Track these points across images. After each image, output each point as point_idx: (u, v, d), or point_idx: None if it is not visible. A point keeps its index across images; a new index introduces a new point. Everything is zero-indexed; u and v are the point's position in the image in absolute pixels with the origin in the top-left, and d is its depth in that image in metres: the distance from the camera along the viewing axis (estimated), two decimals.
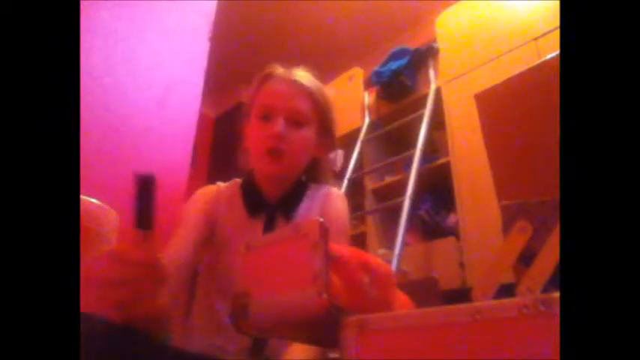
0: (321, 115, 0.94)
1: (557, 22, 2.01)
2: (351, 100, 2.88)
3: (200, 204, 0.93)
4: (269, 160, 0.89)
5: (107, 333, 0.60)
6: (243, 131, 0.99)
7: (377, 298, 0.52)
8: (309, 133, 0.92)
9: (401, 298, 0.61)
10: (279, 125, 0.87)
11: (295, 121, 0.90)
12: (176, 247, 0.83)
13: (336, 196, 0.99)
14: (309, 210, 0.94)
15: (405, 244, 2.01)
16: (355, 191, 2.55)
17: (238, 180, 0.99)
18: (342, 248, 0.55)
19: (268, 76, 0.95)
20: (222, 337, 0.83)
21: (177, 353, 0.75)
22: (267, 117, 0.90)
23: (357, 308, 0.46)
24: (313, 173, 1.00)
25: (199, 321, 0.89)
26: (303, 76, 0.94)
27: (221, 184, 0.98)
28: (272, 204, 0.93)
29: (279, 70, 0.96)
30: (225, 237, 0.90)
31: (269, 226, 0.90)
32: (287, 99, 0.91)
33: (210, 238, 0.90)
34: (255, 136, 0.92)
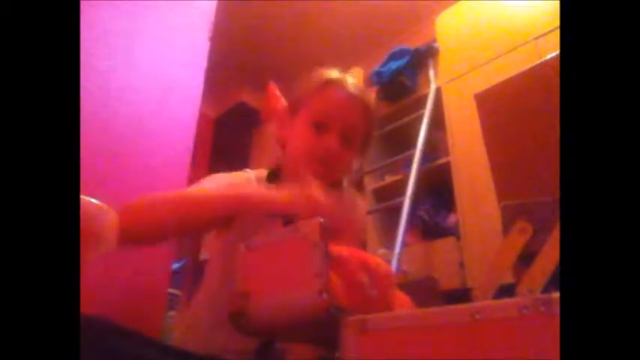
0: (368, 131, 0.94)
1: (557, 22, 2.01)
2: None
3: (224, 180, 0.91)
4: (319, 168, 0.88)
5: (107, 334, 0.60)
6: (280, 125, 0.97)
7: (377, 297, 0.52)
8: (355, 152, 0.93)
9: (401, 298, 0.61)
10: (335, 142, 0.88)
11: (348, 137, 0.90)
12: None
13: (354, 196, 1.01)
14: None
15: (405, 244, 2.01)
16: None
17: (264, 171, 0.97)
18: (342, 248, 0.55)
19: (330, 83, 0.93)
20: (226, 334, 0.82)
21: (178, 354, 0.75)
22: (322, 126, 0.89)
23: (357, 308, 0.46)
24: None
25: (203, 313, 0.88)
26: (359, 87, 0.94)
27: (249, 171, 0.97)
28: None
29: (337, 75, 0.94)
30: (243, 229, 0.88)
31: (288, 225, 0.89)
32: (346, 113, 0.90)
33: (229, 222, 0.86)
34: (305, 142, 0.91)
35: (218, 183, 0.90)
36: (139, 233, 0.73)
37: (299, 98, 0.96)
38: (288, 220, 0.60)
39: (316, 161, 0.88)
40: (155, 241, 0.89)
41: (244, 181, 0.93)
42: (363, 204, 1.02)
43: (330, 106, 0.91)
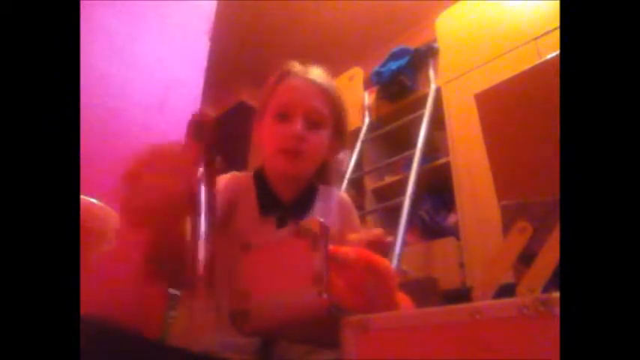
0: (336, 115, 0.93)
1: (557, 22, 2.01)
2: (351, 100, 2.87)
3: (224, 191, 0.89)
4: (285, 160, 0.88)
5: (107, 334, 0.60)
6: (255, 129, 0.98)
7: (381, 300, 0.52)
8: (325, 135, 0.91)
9: (402, 299, 0.61)
10: (299, 125, 0.86)
11: (313, 122, 0.89)
12: None
13: (348, 203, 1.00)
14: (325, 213, 0.93)
15: (404, 244, 2.01)
16: (355, 191, 2.55)
17: (251, 173, 0.96)
18: (348, 250, 0.54)
19: (286, 74, 0.93)
20: (228, 334, 0.82)
21: (178, 353, 0.75)
22: (284, 116, 0.89)
23: (361, 309, 0.46)
24: (322, 174, 0.99)
25: (207, 313, 0.88)
26: (320, 75, 0.93)
27: (237, 174, 0.95)
28: (285, 205, 0.91)
29: (297, 67, 0.94)
30: (237, 232, 0.87)
31: (281, 228, 0.89)
32: (306, 98, 0.90)
33: (224, 224, 0.86)
34: (271, 135, 0.90)
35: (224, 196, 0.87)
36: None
37: (263, 97, 0.96)
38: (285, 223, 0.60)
39: (284, 151, 0.88)
40: None
41: (238, 186, 0.92)
42: (354, 209, 1.01)
43: (288, 94, 0.91)
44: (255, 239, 0.55)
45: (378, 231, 0.73)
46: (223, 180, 0.91)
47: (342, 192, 1.01)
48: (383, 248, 0.67)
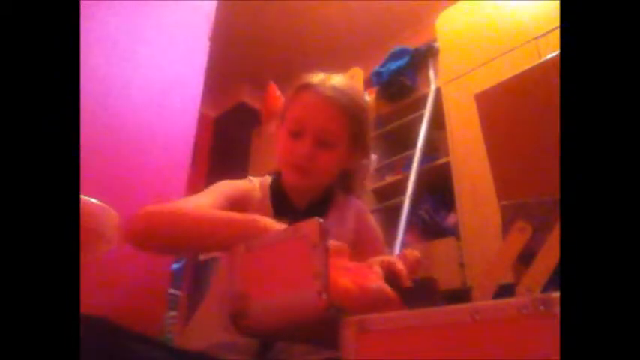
0: (353, 130, 0.92)
1: (557, 22, 2.01)
2: None
3: (228, 188, 0.90)
4: (294, 176, 0.89)
5: (107, 333, 0.60)
6: (276, 136, 0.97)
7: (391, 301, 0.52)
8: (337, 154, 0.90)
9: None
10: (306, 147, 0.86)
11: (324, 142, 0.88)
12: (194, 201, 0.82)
13: (366, 211, 1.01)
14: (341, 221, 0.94)
15: (404, 244, 2.01)
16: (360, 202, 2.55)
17: (269, 178, 0.97)
18: (348, 263, 0.55)
19: (303, 88, 0.92)
20: (231, 334, 0.82)
21: (177, 353, 0.75)
22: (296, 133, 0.89)
23: (368, 309, 0.46)
24: (345, 182, 1.00)
25: (208, 317, 0.88)
26: (338, 88, 0.91)
27: (253, 179, 0.96)
28: (299, 211, 0.92)
29: (316, 79, 0.92)
30: None
31: None
32: (319, 117, 0.89)
33: None
34: (283, 150, 0.91)
35: (227, 196, 0.87)
36: (159, 244, 0.73)
37: (282, 108, 0.96)
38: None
39: (291, 168, 0.89)
40: (166, 254, 0.89)
41: (248, 192, 0.92)
42: (366, 211, 1.01)
43: (301, 112, 0.90)
44: (254, 240, 0.55)
45: (411, 256, 0.72)
46: (233, 189, 0.91)
47: (360, 202, 1.01)
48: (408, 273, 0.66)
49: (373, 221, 1.01)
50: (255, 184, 0.95)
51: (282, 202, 0.92)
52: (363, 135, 0.95)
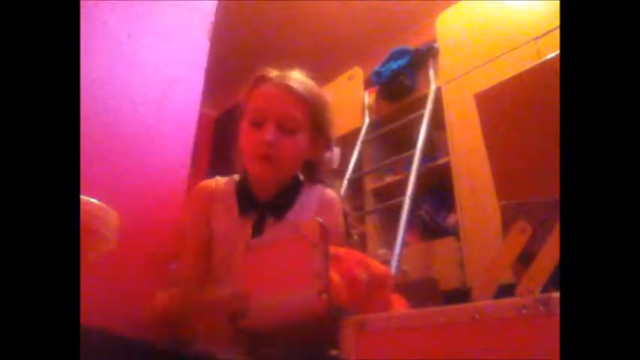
0: (314, 118, 0.94)
1: (557, 22, 2.01)
2: (351, 100, 2.87)
3: (197, 204, 0.95)
4: (259, 165, 0.90)
5: (105, 341, 0.60)
6: (238, 132, 1.00)
7: (375, 295, 0.52)
8: (300, 140, 0.92)
9: (397, 300, 0.61)
10: (270, 133, 0.88)
11: (286, 128, 0.90)
12: (190, 265, 0.90)
13: (330, 199, 0.98)
14: (301, 211, 0.94)
15: (405, 244, 2.01)
16: (355, 191, 2.55)
17: (236, 177, 1.00)
18: (338, 248, 0.55)
19: (261, 80, 0.95)
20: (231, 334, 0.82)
21: (176, 354, 0.75)
22: (258, 123, 0.91)
23: (355, 305, 0.46)
24: (310, 173, 1.00)
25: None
26: (296, 79, 0.94)
27: (219, 179, 0.99)
28: (263, 204, 0.94)
29: (273, 73, 0.95)
30: (216, 233, 0.92)
31: (258, 226, 0.91)
32: (278, 105, 0.91)
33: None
34: (246, 141, 0.93)
35: (193, 219, 0.95)
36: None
37: (242, 102, 0.98)
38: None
39: (256, 159, 0.90)
40: None
41: (212, 192, 0.96)
42: (336, 207, 0.98)
43: (260, 101, 0.93)
44: (254, 239, 0.55)
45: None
46: (194, 195, 0.99)
47: (327, 190, 1.00)
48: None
49: (336, 212, 0.97)
50: (220, 182, 0.98)
51: (245, 197, 0.94)
52: (325, 125, 0.97)
